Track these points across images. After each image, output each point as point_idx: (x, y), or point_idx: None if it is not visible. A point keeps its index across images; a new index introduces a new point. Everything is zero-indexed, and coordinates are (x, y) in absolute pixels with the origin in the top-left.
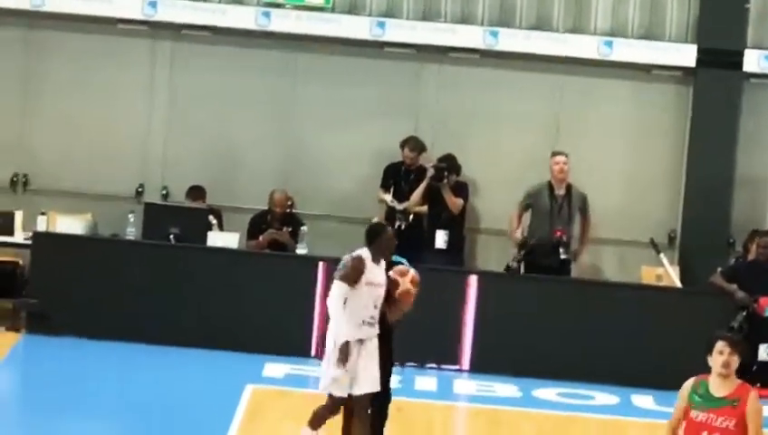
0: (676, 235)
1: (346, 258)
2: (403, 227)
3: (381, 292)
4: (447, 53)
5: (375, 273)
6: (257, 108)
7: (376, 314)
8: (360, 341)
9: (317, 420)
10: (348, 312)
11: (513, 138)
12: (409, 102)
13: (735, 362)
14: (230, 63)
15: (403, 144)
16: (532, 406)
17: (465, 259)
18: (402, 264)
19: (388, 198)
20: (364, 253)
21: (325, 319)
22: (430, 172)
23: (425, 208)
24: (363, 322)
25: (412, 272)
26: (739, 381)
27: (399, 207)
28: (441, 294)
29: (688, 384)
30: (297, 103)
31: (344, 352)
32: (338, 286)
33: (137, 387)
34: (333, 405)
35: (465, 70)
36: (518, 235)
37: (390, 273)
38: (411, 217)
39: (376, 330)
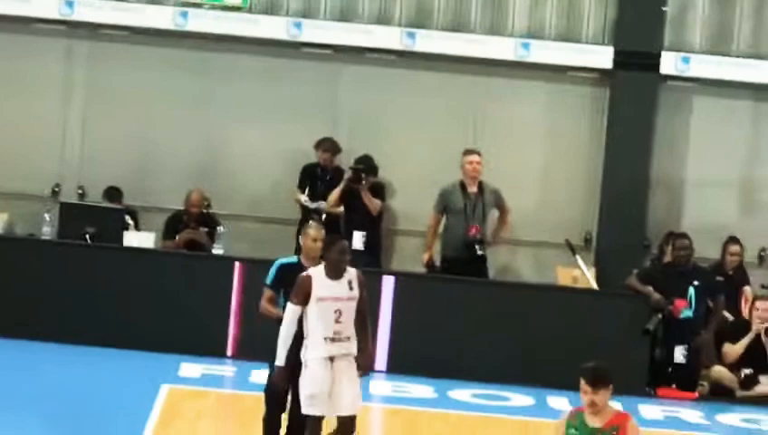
0: (592, 236)
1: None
2: None
3: (342, 305)
4: (364, 54)
5: (329, 287)
6: (174, 108)
7: (343, 328)
8: (331, 359)
9: None
10: (309, 331)
11: (430, 139)
12: (327, 103)
13: (602, 397)
14: (147, 63)
15: (317, 145)
16: (447, 407)
17: (381, 260)
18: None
19: (303, 198)
20: (314, 270)
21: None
22: (348, 174)
23: (341, 209)
24: (326, 339)
25: None
26: (616, 410)
27: (312, 205)
28: None
29: (563, 418)
30: (214, 103)
31: (279, 375)
32: (288, 307)
33: (50, 387)
34: (312, 427)
35: (382, 70)
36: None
37: None
38: (325, 217)
39: (347, 347)
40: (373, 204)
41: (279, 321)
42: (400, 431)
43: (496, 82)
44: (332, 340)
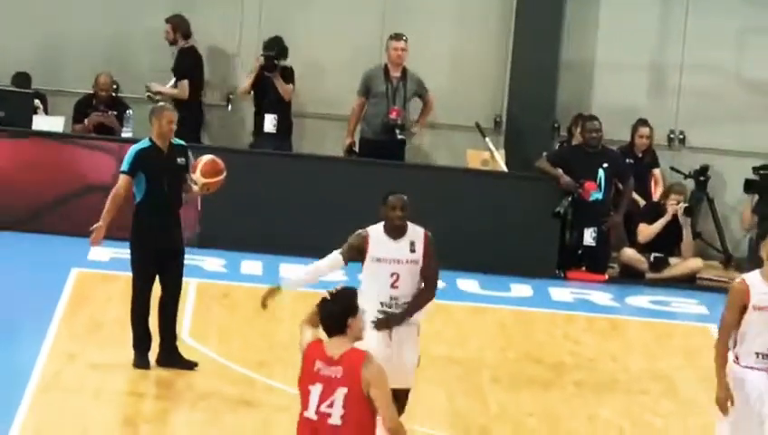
0: (502, 119)
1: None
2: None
3: (400, 269)
4: None
5: (386, 248)
6: None
7: (400, 294)
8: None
9: None
10: (365, 294)
11: (341, 21)
12: None
13: None
14: None
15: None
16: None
17: (292, 143)
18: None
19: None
20: (374, 228)
21: None
22: (260, 61)
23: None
24: (382, 304)
25: (203, 160)
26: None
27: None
28: (270, 177)
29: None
30: None
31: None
32: (333, 254)
33: None
34: None
35: None
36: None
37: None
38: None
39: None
40: (285, 90)
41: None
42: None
43: None
44: (390, 306)
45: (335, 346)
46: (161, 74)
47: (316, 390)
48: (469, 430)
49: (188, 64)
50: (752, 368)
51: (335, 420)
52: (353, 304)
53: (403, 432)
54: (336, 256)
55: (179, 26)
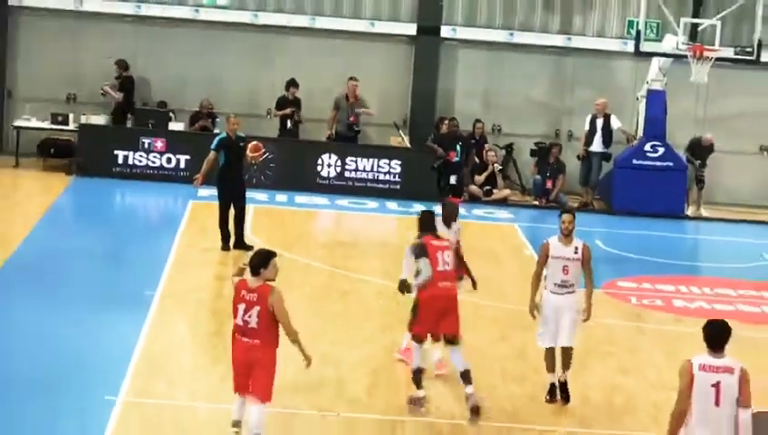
0: (407, 119)
1: None
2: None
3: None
4: None
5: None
6: None
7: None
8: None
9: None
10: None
11: (321, 69)
12: None
13: None
14: None
15: None
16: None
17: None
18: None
19: None
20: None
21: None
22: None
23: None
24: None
25: (251, 144)
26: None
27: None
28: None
29: None
30: None
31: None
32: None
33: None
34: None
35: None
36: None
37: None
38: None
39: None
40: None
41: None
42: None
43: (353, 46)
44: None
45: (254, 282)
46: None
47: (242, 307)
48: None
49: (126, 84)
50: (552, 292)
51: (253, 324)
52: (266, 259)
53: (295, 333)
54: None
55: (122, 65)
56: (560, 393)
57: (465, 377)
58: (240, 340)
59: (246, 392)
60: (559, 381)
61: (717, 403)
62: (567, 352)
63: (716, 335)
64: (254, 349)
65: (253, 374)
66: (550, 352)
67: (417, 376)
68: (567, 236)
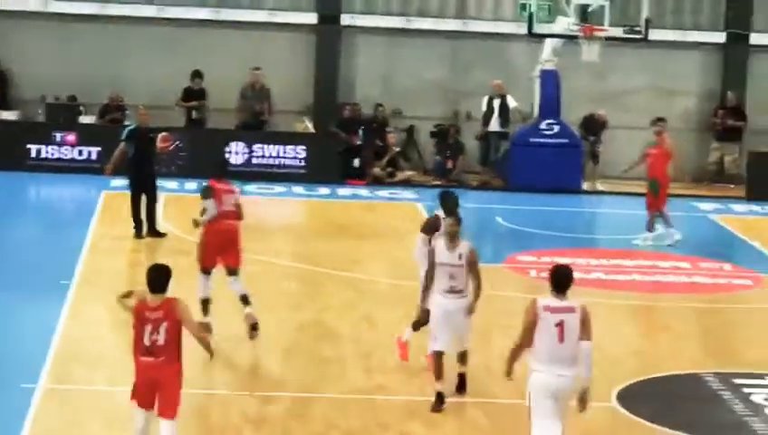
0: (311, 107)
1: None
2: None
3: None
4: None
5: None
6: None
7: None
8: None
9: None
10: None
11: (232, 61)
12: None
13: None
14: None
15: None
16: None
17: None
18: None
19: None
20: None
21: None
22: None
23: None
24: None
25: (160, 136)
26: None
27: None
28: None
29: None
30: None
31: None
32: None
33: None
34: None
35: None
36: None
37: None
38: None
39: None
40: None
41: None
42: None
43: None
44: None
45: (155, 300)
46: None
47: (147, 328)
48: None
49: None
50: (443, 296)
51: (161, 342)
52: (166, 277)
53: (204, 335)
54: None
55: None
56: (457, 386)
57: (245, 300)
58: (145, 360)
59: (151, 408)
60: (458, 373)
61: (561, 340)
62: (463, 355)
63: (560, 279)
64: (160, 367)
65: (161, 393)
66: (439, 357)
67: (205, 305)
68: (452, 240)
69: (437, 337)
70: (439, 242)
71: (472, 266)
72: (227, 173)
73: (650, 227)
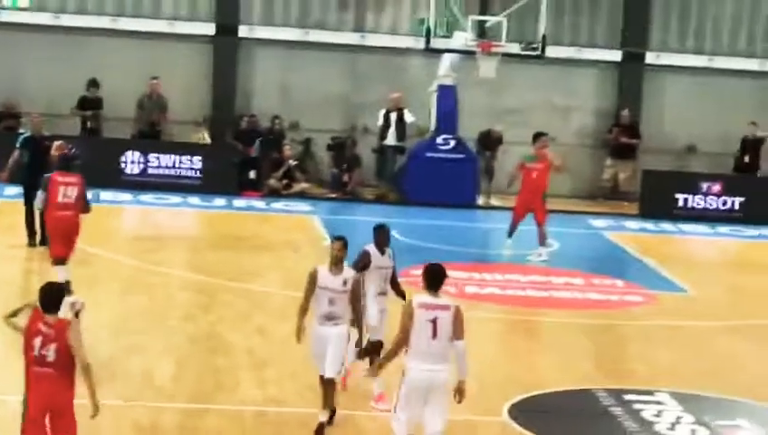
0: (208, 117)
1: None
2: None
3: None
4: None
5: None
6: None
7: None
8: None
9: None
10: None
11: (130, 71)
12: None
13: None
14: None
15: None
16: None
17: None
18: None
19: None
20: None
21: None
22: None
23: None
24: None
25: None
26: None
27: None
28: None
29: None
30: None
31: None
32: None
33: None
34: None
35: None
36: None
37: None
38: None
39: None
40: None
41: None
42: None
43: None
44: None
45: (51, 317)
46: None
47: (38, 340)
48: None
49: None
50: (319, 324)
51: (51, 358)
52: (58, 298)
53: (88, 368)
54: None
55: None
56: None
57: (67, 287)
58: (38, 371)
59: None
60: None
61: (435, 336)
62: (328, 384)
63: (434, 278)
64: (53, 385)
65: (57, 417)
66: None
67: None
68: (337, 264)
69: (317, 365)
70: (322, 267)
71: (355, 296)
72: (71, 166)
73: (543, 242)
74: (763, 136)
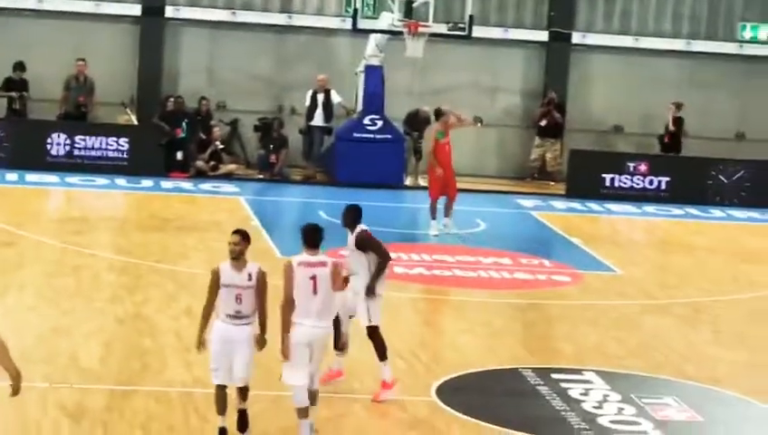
0: (135, 99)
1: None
2: None
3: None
4: None
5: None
6: None
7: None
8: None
9: None
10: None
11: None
12: None
13: None
14: None
15: None
16: None
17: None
18: None
19: None
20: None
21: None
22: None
23: None
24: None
25: None
26: None
27: None
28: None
29: None
30: None
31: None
32: None
33: None
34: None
35: None
36: None
37: None
38: None
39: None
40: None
41: None
42: None
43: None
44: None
45: None
46: None
47: None
48: None
49: None
50: (224, 322)
51: None
52: None
53: (18, 376)
54: None
55: None
56: (238, 423)
57: None
58: None
59: None
60: (237, 409)
61: (315, 292)
62: (243, 391)
63: (311, 237)
64: None
65: None
66: (220, 391)
67: None
68: (236, 259)
69: (217, 369)
70: (224, 264)
71: (261, 290)
72: None
73: (447, 213)
74: (680, 116)
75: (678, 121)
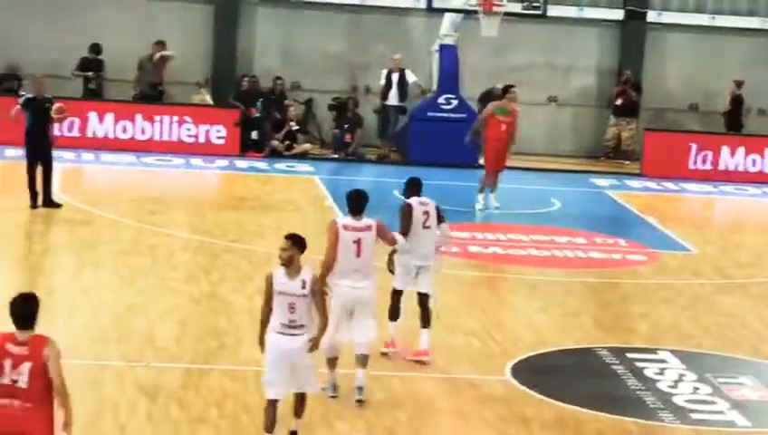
0: (210, 79)
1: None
2: None
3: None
4: None
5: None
6: None
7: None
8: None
9: None
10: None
11: (126, 36)
12: None
13: None
14: None
15: None
16: None
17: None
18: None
19: None
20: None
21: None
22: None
23: None
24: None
25: (55, 106)
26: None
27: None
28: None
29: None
30: None
31: None
32: None
33: None
34: None
35: None
36: None
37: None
38: None
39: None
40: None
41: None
42: None
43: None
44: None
45: (23, 333)
46: None
47: (8, 363)
48: None
49: None
50: (279, 333)
51: (22, 384)
52: (37, 304)
53: (67, 396)
54: None
55: None
56: None
57: None
58: (6, 405)
59: None
60: (289, 430)
61: (358, 254)
62: (300, 398)
63: (355, 201)
64: (23, 414)
65: None
66: (271, 406)
67: None
68: (288, 266)
69: (272, 381)
70: (278, 270)
71: (318, 296)
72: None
73: (492, 189)
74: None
75: (737, 99)
